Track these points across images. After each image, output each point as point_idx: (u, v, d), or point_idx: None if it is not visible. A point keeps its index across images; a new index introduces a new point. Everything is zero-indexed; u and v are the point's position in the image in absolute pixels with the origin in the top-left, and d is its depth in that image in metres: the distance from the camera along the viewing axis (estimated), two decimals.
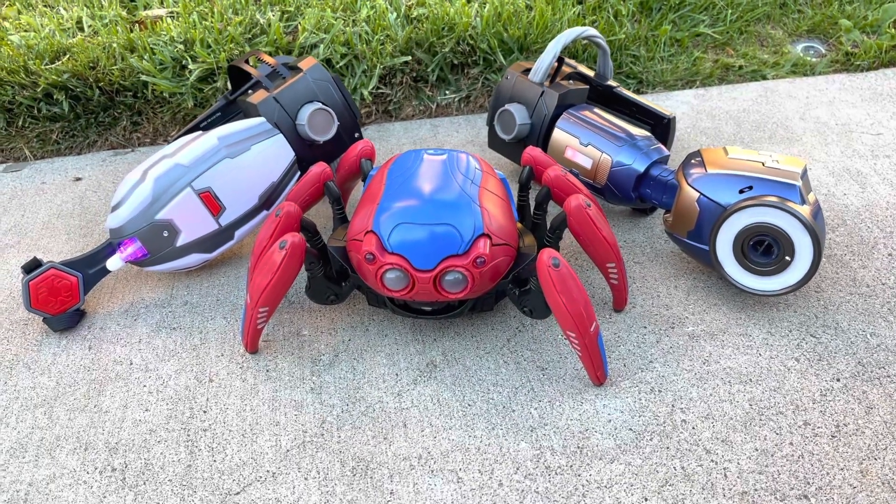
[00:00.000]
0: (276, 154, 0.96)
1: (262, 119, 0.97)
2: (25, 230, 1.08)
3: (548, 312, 0.82)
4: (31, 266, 0.89)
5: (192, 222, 0.92)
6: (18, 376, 0.85)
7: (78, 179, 1.18)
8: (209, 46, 1.25)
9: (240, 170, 0.93)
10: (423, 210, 0.79)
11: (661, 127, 1.08)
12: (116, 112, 1.25)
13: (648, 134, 1.00)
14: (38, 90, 1.20)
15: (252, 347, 0.86)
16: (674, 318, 0.89)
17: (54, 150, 1.25)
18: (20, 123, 1.22)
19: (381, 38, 1.27)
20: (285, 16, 1.32)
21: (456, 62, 1.29)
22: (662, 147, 0.98)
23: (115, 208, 0.91)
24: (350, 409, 0.79)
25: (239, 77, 1.09)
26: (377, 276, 0.79)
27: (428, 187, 0.82)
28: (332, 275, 0.87)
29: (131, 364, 0.86)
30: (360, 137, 1.05)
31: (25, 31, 1.32)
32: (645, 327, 0.88)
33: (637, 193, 0.97)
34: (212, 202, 0.92)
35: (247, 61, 1.04)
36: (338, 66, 1.26)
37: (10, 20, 1.35)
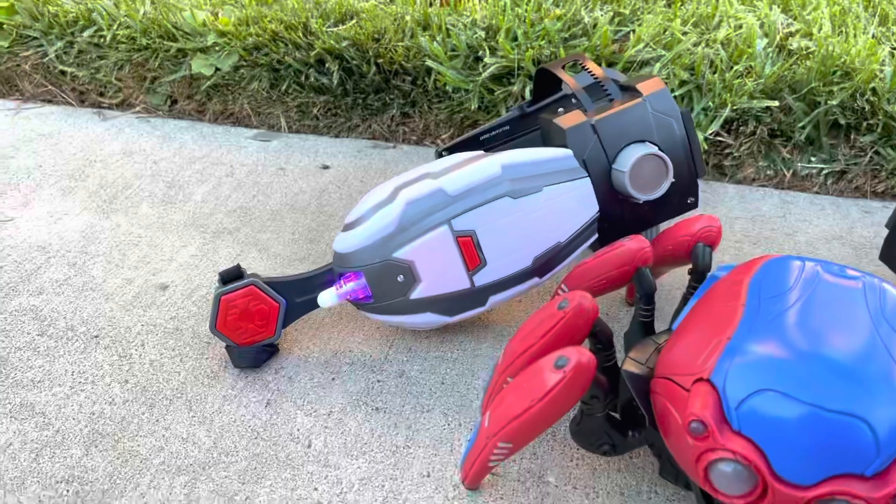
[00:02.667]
0: (573, 204, 0.67)
1: (567, 152, 0.68)
2: (251, 215, 0.89)
3: None
4: (231, 275, 0.68)
5: (439, 272, 0.65)
6: (175, 416, 0.64)
7: (325, 168, 0.98)
8: (515, 39, 0.99)
9: (520, 216, 0.65)
10: (812, 375, 0.45)
11: None
12: (388, 97, 1.03)
13: None
14: (312, 54, 1.02)
15: (472, 484, 0.58)
16: None
17: (311, 126, 1.06)
18: (283, 88, 1.04)
19: (741, 69, 0.93)
20: (617, 19, 1.02)
21: (841, 121, 0.91)
22: None
23: (348, 227, 0.67)
24: None
25: (543, 86, 0.81)
26: (700, 459, 0.47)
27: (825, 335, 0.47)
28: (615, 412, 0.56)
29: (309, 447, 0.62)
30: (695, 204, 0.72)
31: None
32: None
33: None
34: (471, 252, 0.65)
35: (563, 67, 0.76)
36: (672, 95, 0.94)
37: None
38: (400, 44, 1.00)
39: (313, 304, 0.69)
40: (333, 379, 0.68)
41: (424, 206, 0.65)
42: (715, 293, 0.55)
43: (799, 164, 0.94)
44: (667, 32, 0.98)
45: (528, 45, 0.97)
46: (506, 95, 0.98)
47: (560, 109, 0.72)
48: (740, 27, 0.99)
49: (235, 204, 0.91)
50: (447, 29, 1.01)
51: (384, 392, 0.67)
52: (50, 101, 1.12)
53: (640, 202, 0.69)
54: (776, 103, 0.91)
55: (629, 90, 0.71)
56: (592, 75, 0.72)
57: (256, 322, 0.68)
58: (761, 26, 1.00)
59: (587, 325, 0.54)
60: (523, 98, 0.98)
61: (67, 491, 0.58)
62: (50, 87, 1.12)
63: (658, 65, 0.94)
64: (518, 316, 0.75)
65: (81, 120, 1.08)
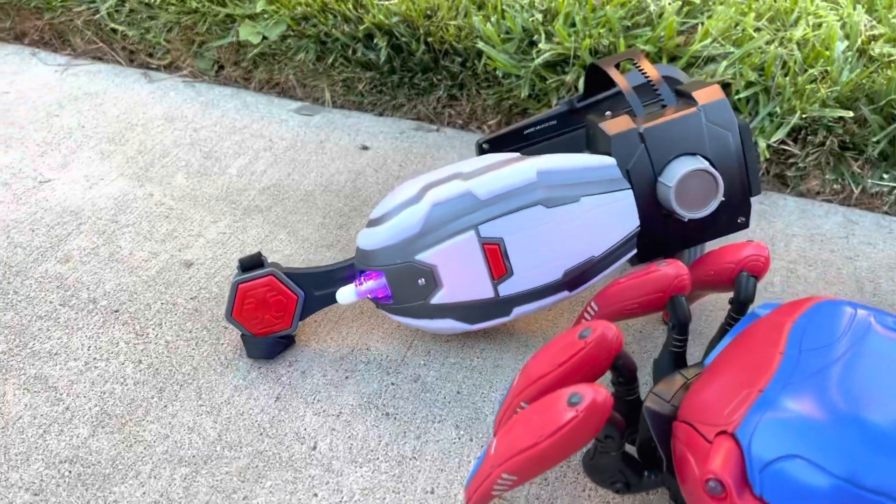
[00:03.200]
0: (612, 217, 0.63)
1: (610, 160, 0.63)
2: (284, 194, 0.87)
3: None
4: (250, 263, 0.66)
5: (461, 279, 0.62)
6: (183, 403, 0.63)
7: (364, 148, 0.95)
8: (573, 25, 0.94)
9: (553, 226, 0.62)
10: (849, 446, 0.41)
11: None
12: (436, 78, 0.99)
13: None
14: (361, 28, 0.98)
15: None
16: None
17: (356, 103, 1.03)
18: (330, 62, 1.01)
19: (816, 73, 0.86)
20: (685, 9, 0.96)
21: None
22: None
23: (372, 223, 0.65)
24: None
25: (596, 80, 0.76)
26: None
27: (869, 401, 0.43)
28: (633, 444, 0.53)
29: (314, 449, 0.60)
30: (746, 224, 0.67)
31: None
32: None
33: None
34: (497, 260, 0.62)
35: (618, 66, 0.70)
36: (736, 97, 0.88)
37: None
38: (452, 23, 0.96)
39: (332, 298, 0.67)
40: (347, 378, 0.66)
41: (452, 209, 0.61)
42: (752, 335, 0.51)
43: (869, 181, 0.87)
44: (738, 27, 0.91)
45: (586, 33, 0.92)
46: (558, 84, 0.93)
47: (608, 113, 0.67)
48: (820, 26, 0.92)
49: (270, 181, 0.89)
50: (503, 10, 0.96)
51: (397, 397, 0.64)
52: (100, 59, 1.12)
53: (686, 220, 0.64)
54: (850, 114, 0.84)
55: (684, 97, 0.66)
56: (646, 77, 0.67)
57: (273, 313, 0.66)
58: (843, 26, 0.92)
59: (609, 358, 0.51)
60: (577, 89, 0.93)
61: (70, 472, 0.58)
62: (101, 44, 1.11)
63: (725, 63, 0.88)
64: (545, 326, 0.71)
65: (128, 80, 1.07)
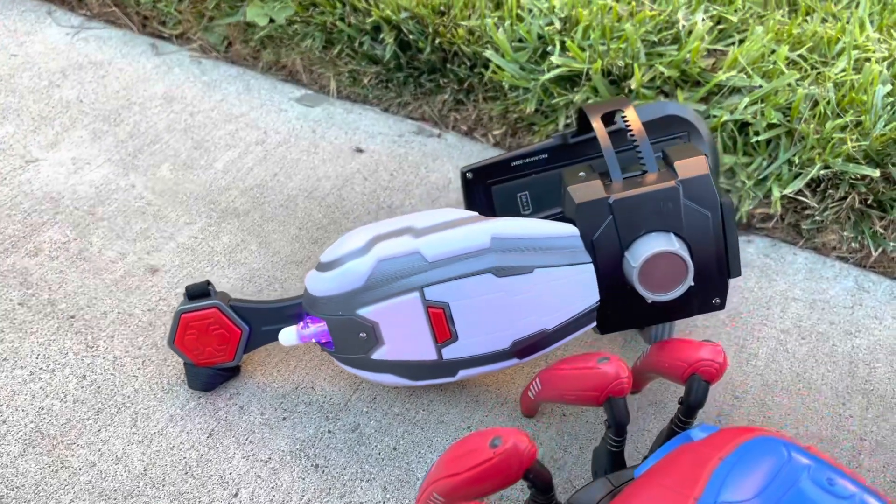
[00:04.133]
0: (569, 291, 0.58)
1: (573, 230, 0.58)
2: (265, 198, 0.84)
3: None
4: (197, 292, 0.64)
5: (403, 339, 0.59)
6: (117, 428, 0.63)
7: (358, 151, 0.91)
8: (589, 38, 0.87)
9: (502, 296, 0.58)
10: None
11: None
12: (443, 80, 0.94)
13: None
14: (368, 21, 0.93)
15: None
16: None
17: (360, 96, 0.99)
18: (336, 52, 0.97)
19: (848, 122, 0.78)
20: (719, 28, 0.87)
21: None
22: None
23: (321, 267, 0.62)
24: None
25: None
26: None
27: None
28: None
29: (234, 497, 0.59)
30: (721, 306, 0.62)
31: None
32: None
33: None
34: (441, 325, 0.58)
35: (609, 117, 0.64)
36: (754, 139, 0.80)
37: None
38: (464, 23, 0.90)
39: (275, 337, 0.65)
40: (284, 419, 0.64)
41: (398, 267, 0.58)
42: (676, 464, 0.47)
43: (891, 244, 0.79)
44: (770, 58, 0.83)
45: (602, 50, 0.85)
46: (567, 104, 0.87)
47: (581, 174, 0.61)
48: (865, 62, 0.82)
49: (254, 180, 0.86)
50: (518, 14, 0.89)
51: (330, 447, 0.63)
52: (113, 23, 1.09)
53: (650, 302, 0.59)
54: (877, 173, 0.76)
55: (668, 162, 0.60)
56: (631, 136, 0.61)
57: (215, 345, 0.64)
58: (889, 65, 0.82)
59: (520, 469, 0.47)
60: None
61: None
62: (115, 7, 1.09)
63: (747, 98, 0.80)
64: (501, 380, 0.68)
65: (136, 50, 1.05)
